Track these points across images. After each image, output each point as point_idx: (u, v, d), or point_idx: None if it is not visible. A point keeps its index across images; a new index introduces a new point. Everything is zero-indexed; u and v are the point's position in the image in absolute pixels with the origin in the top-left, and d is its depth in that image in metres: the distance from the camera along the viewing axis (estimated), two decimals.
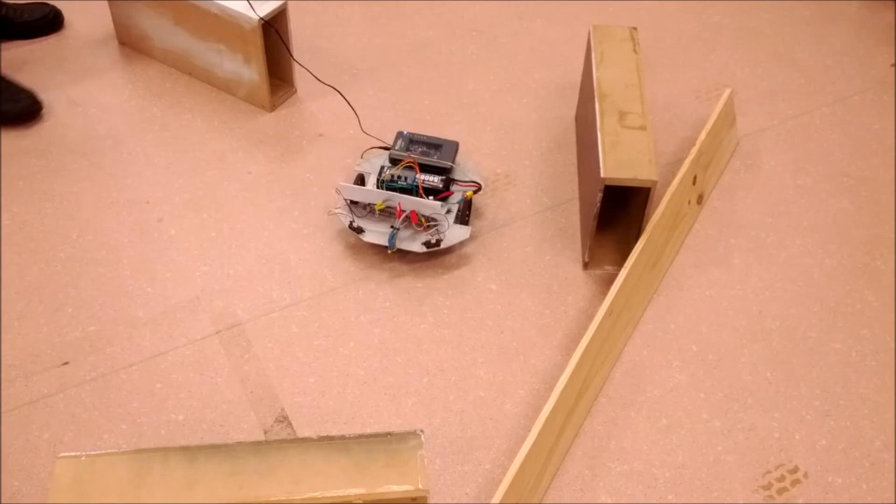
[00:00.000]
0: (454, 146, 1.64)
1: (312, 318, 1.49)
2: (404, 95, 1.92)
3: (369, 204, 1.57)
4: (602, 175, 1.45)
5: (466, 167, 1.66)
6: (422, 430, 1.11)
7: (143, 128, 1.81)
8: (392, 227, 1.55)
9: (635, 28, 1.75)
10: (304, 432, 1.33)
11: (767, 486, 1.30)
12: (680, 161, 1.67)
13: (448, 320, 1.50)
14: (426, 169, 1.61)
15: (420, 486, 1.04)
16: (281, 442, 1.08)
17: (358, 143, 1.80)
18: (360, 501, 1.03)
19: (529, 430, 1.22)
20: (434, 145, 1.63)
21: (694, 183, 1.65)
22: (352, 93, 1.90)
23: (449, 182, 1.61)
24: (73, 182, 1.70)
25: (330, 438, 1.09)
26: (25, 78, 1.86)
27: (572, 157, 1.80)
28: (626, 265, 1.46)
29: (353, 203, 1.58)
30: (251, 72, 1.81)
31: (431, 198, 1.58)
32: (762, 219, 1.69)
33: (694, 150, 1.64)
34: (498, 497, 1.14)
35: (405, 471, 1.05)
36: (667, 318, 1.51)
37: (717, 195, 1.73)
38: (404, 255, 1.58)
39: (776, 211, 1.70)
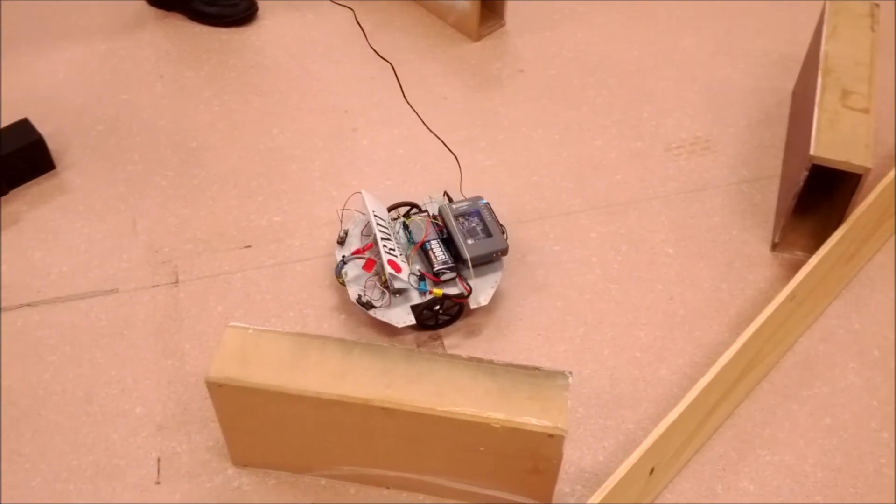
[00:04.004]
0: (499, 247, 1.35)
1: None
2: (612, 43, 1.87)
3: None
4: (811, 153, 1.36)
5: (492, 276, 1.37)
6: (570, 373, 1.09)
7: (352, 40, 1.86)
8: (343, 256, 1.37)
9: (877, 4, 1.61)
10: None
11: None
12: None
13: (616, 275, 1.46)
14: (447, 242, 1.37)
15: (560, 425, 1.03)
16: (431, 353, 1.10)
17: (560, 82, 1.77)
18: (499, 426, 1.03)
19: (681, 400, 1.18)
20: (487, 231, 1.36)
21: None
22: (559, 33, 1.87)
23: (449, 270, 1.33)
24: (282, 81, 1.78)
25: (479, 360, 1.09)
26: None
27: (782, 132, 1.69)
28: (818, 252, 1.36)
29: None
30: None
31: (417, 268, 1.34)
32: None
33: None
34: (636, 457, 1.11)
35: (547, 407, 1.04)
36: (852, 317, 1.41)
37: None
38: (601, 222, 1.55)
39: None
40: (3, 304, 1.38)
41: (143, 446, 1.22)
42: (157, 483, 1.19)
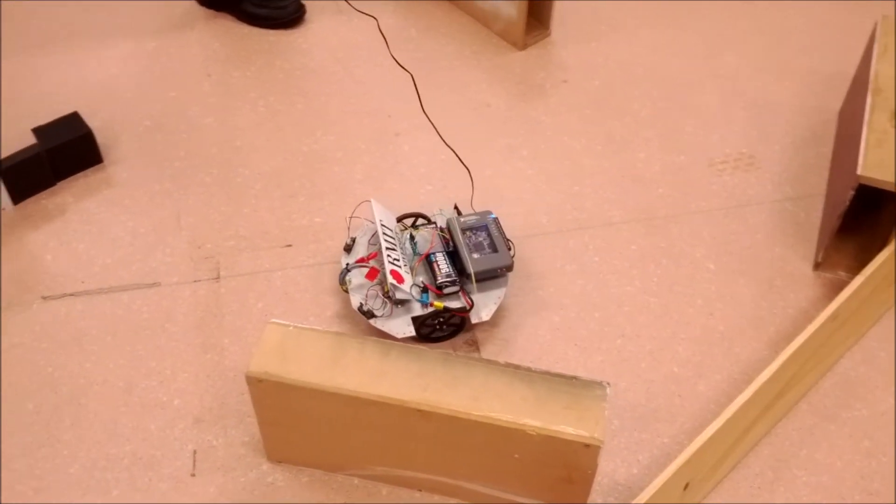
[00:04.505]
0: (504, 263, 1.34)
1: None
2: (657, 56, 1.86)
3: None
4: (858, 172, 1.34)
5: (496, 292, 1.35)
6: (608, 383, 1.09)
7: (397, 45, 1.87)
8: (347, 264, 1.37)
9: None
10: None
11: None
12: None
13: (656, 289, 1.45)
14: (453, 255, 1.36)
15: (596, 435, 1.02)
16: (469, 358, 1.10)
17: (603, 93, 1.77)
18: (534, 433, 1.03)
19: (718, 416, 1.17)
20: (493, 246, 1.35)
21: None
22: (604, 44, 1.87)
23: (451, 284, 1.32)
24: (327, 84, 1.79)
25: (516, 366, 1.09)
26: None
27: (827, 151, 1.68)
28: (863, 273, 1.34)
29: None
30: (511, 7, 1.82)
31: (421, 279, 1.33)
32: None
33: None
34: (670, 471, 1.10)
35: (584, 416, 1.04)
36: (894, 340, 1.39)
37: None
38: (650, 226, 1.55)
39: None
40: (48, 293, 1.41)
41: (180, 438, 1.24)
42: (193, 475, 1.20)
